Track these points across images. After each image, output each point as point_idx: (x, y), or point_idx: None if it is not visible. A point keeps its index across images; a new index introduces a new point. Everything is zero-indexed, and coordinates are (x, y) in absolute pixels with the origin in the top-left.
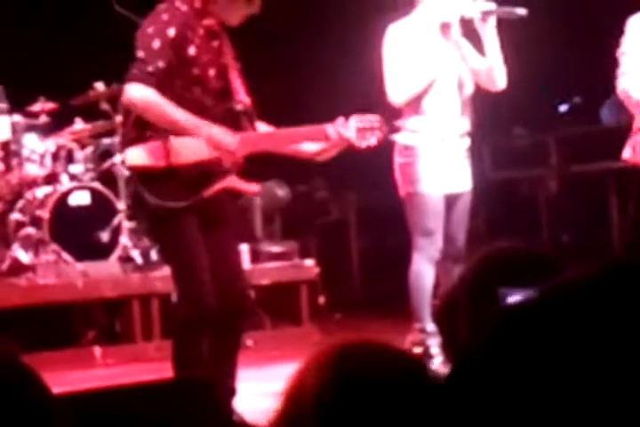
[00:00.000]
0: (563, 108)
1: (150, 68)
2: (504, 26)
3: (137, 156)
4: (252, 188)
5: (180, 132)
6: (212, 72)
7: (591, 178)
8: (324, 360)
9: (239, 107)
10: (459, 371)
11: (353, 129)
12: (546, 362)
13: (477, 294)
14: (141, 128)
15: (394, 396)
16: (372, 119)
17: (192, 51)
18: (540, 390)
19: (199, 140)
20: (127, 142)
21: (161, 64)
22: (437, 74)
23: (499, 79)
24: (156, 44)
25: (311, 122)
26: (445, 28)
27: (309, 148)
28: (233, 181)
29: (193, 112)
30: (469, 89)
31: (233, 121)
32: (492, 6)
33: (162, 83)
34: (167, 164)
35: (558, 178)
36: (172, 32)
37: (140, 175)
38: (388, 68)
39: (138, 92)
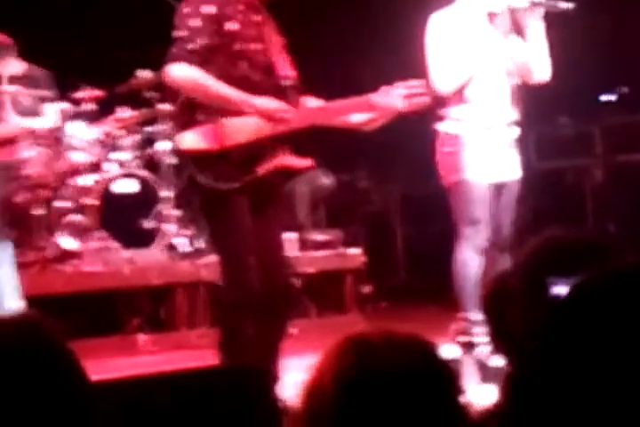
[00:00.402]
0: (609, 97)
1: (191, 46)
2: (550, 16)
3: (190, 140)
4: (306, 163)
5: (230, 107)
6: (256, 47)
7: (637, 167)
8: (343, 349)
9: (286, 82)
10: (519, 367)
11: (397, 96)
12: (602, 353)
13: (530, 284)
14: (191, 112)
15: (408, 386)
16: (416, 84)
17: (233, 26)
18: (600, 380)
19: (249, 119)
20: (179, 127)
21: (201, 41)
22: (483, 63)
23: (543, 71)
24: (195, 22)
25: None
26: (493, 17)
27: (357, 118)
28: (285, 159)
29: (240, 88)
30: (517, 78)
31: (281, 96)
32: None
33: (206, 60)
34: (220, 146)
35: (604, 167)
36: (208, 8)
37: (194, 158)
38: (432, 57)
39: (181, 71)
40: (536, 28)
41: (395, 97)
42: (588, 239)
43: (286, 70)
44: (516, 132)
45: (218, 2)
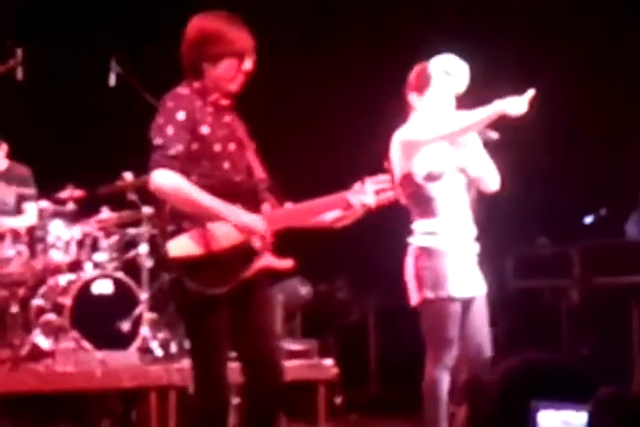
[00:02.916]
0: (588, 219)
1: (172, 152)
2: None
3: (178, 247)
4: (287, 264)
5: (209, 217)
6: (232, 147)
7: (614, 291)
8: None
9: (262, 184)
10: None
11: (371, 193)
12: None
13: (505, 404)
14: (178, 220)
15: None
16: (385, 179)
17: (205, 129)
18: None
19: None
20: (166, 236)
21: (180, 148)
22: (447, 176)
23: (491, 184)
24: (170, 130)
25: (323, 188)
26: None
27: (328, 215)
28: (268, 260)
29: (223, 190)
30: (474, 192)
31: (259, 198)
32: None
33: (187, 166)
34: (207, 251)
35: (581, 289)
36: (180, 115)
37: (182, 264)
38: (412, 153)
39: (164, 178)
40: (475, 144)
41: (368, 193)
42: (566, 364)
43: (261, 172)
44: (477, 247)
45: (187, 108)
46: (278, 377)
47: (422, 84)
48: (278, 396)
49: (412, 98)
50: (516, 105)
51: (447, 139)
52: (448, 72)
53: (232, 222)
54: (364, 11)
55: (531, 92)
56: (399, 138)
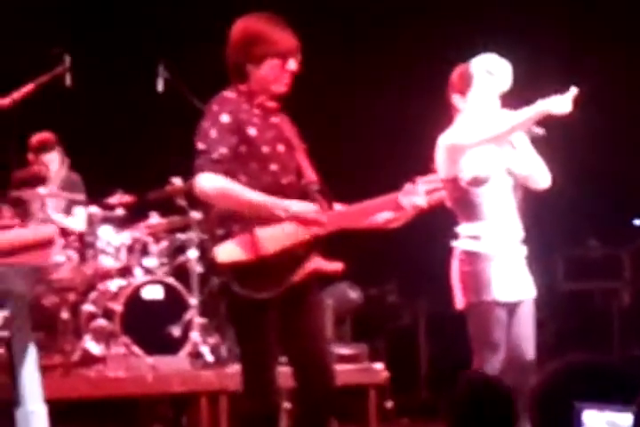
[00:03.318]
0: (638, 221)
1: (215, 156)
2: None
3: (227, 252)
4: (336, 267)
5: (262, 212)
6: (281, 148)
7: None
8: None
9: (313, 185)
10: None
11: (422, 193)
12: None
13: (548, 408)
14: (226, 224)
15: None
16: (436, 179)
17: (252, 131)
18: None
19: (282, 227)
20: (215, 240)
21: (224, 151)
22: (493, 178)
23: (541, 181)
24: (214, 133)
25: (373, 191)
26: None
27: (381, 217)
28: (318, 263)
29: (271, 192)
30: (521, 193)
31: (309, 200)
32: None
33: (234, 169)
34: (256, 256)
35: (632, 291)
36: (225, 118)
37: (230, 269)
38: (459, 157)
39: (209, 182)
40: (523, 142)
41: (419, 194)
42: (611, 366)
43: (311, 174)
44: (525, 249)
45: (233, 111)
46: (330, 382)
47: (464, 85)
48: (330, 401)
49: (456, 99)
50: (560, 104)
51: (492, 142)
52: (490, 72)
53: (284, 214)
54: (408, 11)
55: (573, 91)
56: (444, 142)
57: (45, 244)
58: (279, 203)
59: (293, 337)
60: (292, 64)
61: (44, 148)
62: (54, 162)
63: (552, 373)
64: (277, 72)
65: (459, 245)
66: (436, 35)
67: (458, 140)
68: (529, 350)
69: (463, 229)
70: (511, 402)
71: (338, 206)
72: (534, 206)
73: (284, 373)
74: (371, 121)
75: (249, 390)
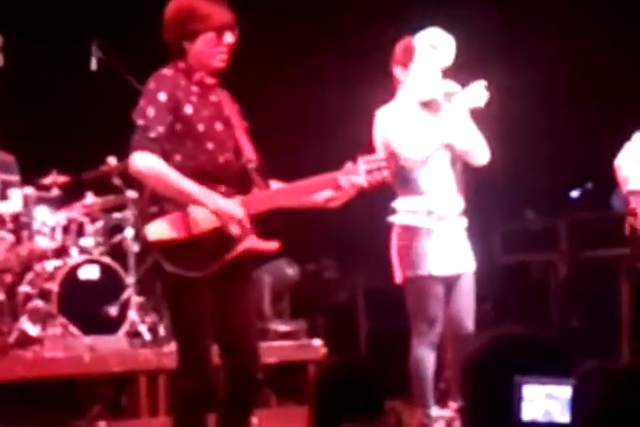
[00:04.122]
0: (574, 193)
1: (152, 135)
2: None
3: (158, 230)
4: (272, 246)
5: (187, 201)
6: (219, 126)
7: (602, 263)
8: None
9: (251, 164)
10: None
11: (362, 173)
12: None
13: (481, 379)
14: (159, 203)
15: None
16: (379, 158)
17: (189, 109)
18: None
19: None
20: (146, 218)
21: (161, 129)
22: (435, 146)
23: (480, 156)
24: (151, 111)
25: (311, 169)
26: (428, 105)
27: (320, 196)
28: (252, 241)
29: (208, 170)
30: (460, 165)
31: (246, 178)
32: (457, 89)
33: (170, 147)
34: (188, 234)
35: (569, 262)
36: (162, 97)
37: (162, 248)
38: (393, 136)
39: (143, 161)
40: (460, 115)
41: (359, 173)
42: (547, 338)
43: (250, 152)
44: (465, 221)
45: (170, 89)
46: (252, 362)
47: (407, 58)
48: (253, 380)
49: (398, 72)
50: (475, 97)
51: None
52: (434, 46)
53: (209, 208)
54: None
55: (482, 83)
56: (383, 117)
57: None
58: (209, 195)
59: (222, 316)
60: (229, 37)
61: None
62: None
63: (486, 343)
64: (213, 47)
65: (396, 220)
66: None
67: (390, 136)
68: (468, 323)
69: (400, 203)
70: (376, 385)
71: (276, 184)
72: (471, 179)
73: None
74: (313, 97)
75: (184, 369)
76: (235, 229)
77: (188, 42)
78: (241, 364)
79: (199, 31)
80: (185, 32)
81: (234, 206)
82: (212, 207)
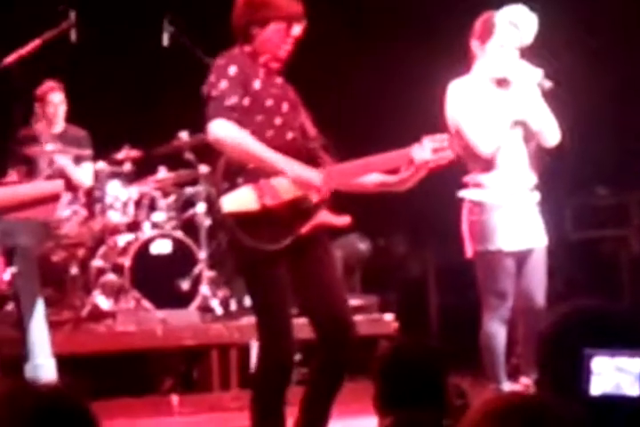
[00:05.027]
0: None
1: (228, 103)
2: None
3: (231, 203)
4: (344, 220)
5: (266, 168)
6: (285, 106)
7: None
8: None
9: (316, 142)
10: None
11: (429, 150)
12: None
13: (556, 354)
14: (232, 176)
15: None
16: (443, 137)
17: (257, 84)
18: None
19: (287, 180)
20: (220, 191)
21: (235, 99)
22: (507, 126)
23: (552, 136)
24: (223, 83)
25: (377, 150)
26: (501, 82)
27: (389, 179)
28: (325, 216)
29: (277, 146)
30: (534, 142)
31: (313, 157)
32: (532, 68)
33: (242, 120)
34: (261, 206)
35: None
36: (232, 70)
37: (236, 220)
38: (464, 122)
39: (222, 128)
40: (535, 96)
41: (427, 151)
42: (621, 313)
43: (314, 132)
44: (537, 196)
45: (239, 63)
46: (349, 330)
47: (485, 33)
48: (350, 350)
49: (475, 46)
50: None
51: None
52: (515, 23)
53: (289, 176)
54: None
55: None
56: (456, 89)
57: (50, 199)
58: (289, 162)
59: (305, 289)
60: (297, 30)
61: (50, 89)
62: (62, 104)
63: (560, 318)
64: (281, 36)
65: (467, 195)
66: None
67: (460, 118)
68: (539, 298)
69: (471, 178)
70: (438, 366)
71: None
72: (544, 156)
73: (296, 325)
74: (379, 76)
75: (264, 343)
76: (314, 197)
77: (258, 28)
78: (337, 331)
79: (271, 19)
80: (256, 18)
81: (313, 174)
82: (292, 174)
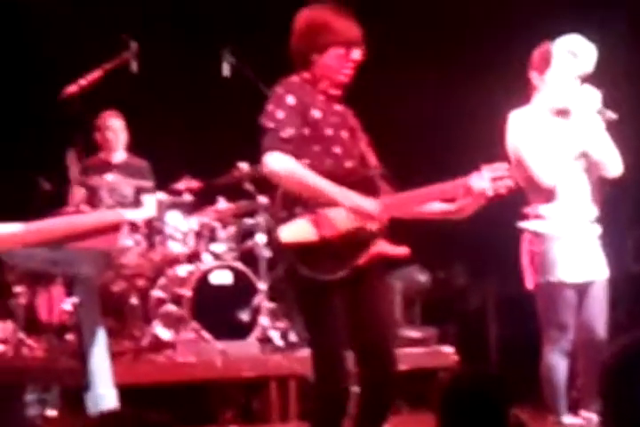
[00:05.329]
0: None
1: (283, 135)
2: None
3: (289, 233)
4: (402, 251)
5: (323, 200)
6: (344, 134)
7: None
8: None
9: (375, 171)
10: None
11: (487, 179)
12: None
13: (620, 386)
14: (290, 205)
15: None
16: (502, 167)
17: (317, 113)
18: None
19: (345, 209)
20: (278, 221)
21: (291, 131)
22: (569, 157)
23: (614, 166)
24: (280, 114)
25: (436, 180)
26: (562, 112)
27: (445, 207)
28: (382, 246)
29: (333, 176)
30: (596, 173)
31: (371, 186)
32: (596, 97)
33: (299, 151)
34: (319, 237)
35: None
36: (290, 100)
37: (294, 251)
38: (525, 153)
39: (277, 161)
40: (598, 127)
41: (486, 181)
42: None
43: (375, 160)
44: (598, 229)
45: (298, 93)
46: (390, 366)
47: (543, 64)
48: (391, 385)
49: (534, 77)
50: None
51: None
52: (573, 53)
53: (346, 206)
54: None
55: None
56: (516, 119)
57: (112, 228)
58: (345, 193)
59: (357, 320)
60: (356, 54)
61: (111, 116)
62: (122, 131)
63: (622, 350)
64: (341, 61)
65: (527, 226)
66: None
67: (522, 147)
68: (600, 330)
69: (532, 209)
70: (499, 395)
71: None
72: (606, 187)
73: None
74: (437, 106)
75: (319, 374)
76: (372, 227)
77: (317, 54)
78: (378, 369)
79: (329, 44)
80: (315, 44)
81: (370, 203)
82: (348, 204)
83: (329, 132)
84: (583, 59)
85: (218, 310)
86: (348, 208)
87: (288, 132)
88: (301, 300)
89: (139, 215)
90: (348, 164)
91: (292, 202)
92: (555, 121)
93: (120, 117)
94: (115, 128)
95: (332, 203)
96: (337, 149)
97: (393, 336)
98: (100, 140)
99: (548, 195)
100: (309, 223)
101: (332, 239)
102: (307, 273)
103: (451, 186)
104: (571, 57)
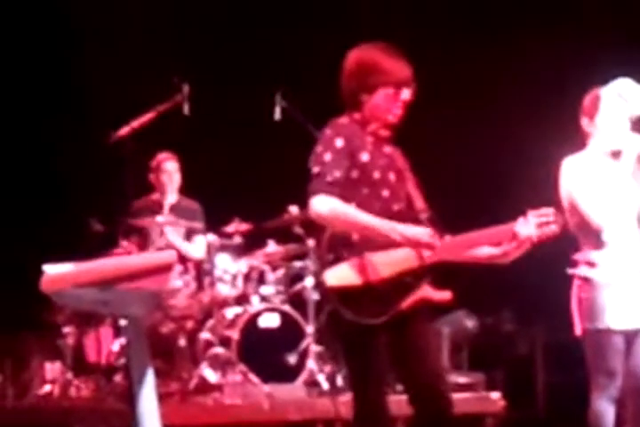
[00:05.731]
0: None
1: (329, 179)
2: None
3: (335, 276)
4: (445, 296)
5: (376, 235)
6: (392, 176)
7: None
8: None
9: (423, 214)
10: None
11: (533, 225)
12: None
13: None
14: (336, 249)
15: None
16: (548, 212)
17: (365, 157)
18: None
19: (392, 253)
20: (324, 265)
21: (338, 174)
22: (618, 205)
23: None
24: (328, 156)
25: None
26: (618, 155)
27: (490, 251)
28: (426, 291)
29: (383, 218)
30: None
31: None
32: None
33: (346, 193)
34: (365, 281)
35: None
36: (339, 143)
37: (339, 294)
38: (580, 197)
39: (323, 204)
40: None
41: (531, 227)
42: None
43: (422, 203)
44: None
45: (346, 135)
46: (446, 408)
47: (593, 109)
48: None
49: (585, 123)
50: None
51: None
52: (622, 96)
53: (397, 237)
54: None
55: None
56: (569, 165)
57: (163, 269)
58: (394, 226)
59: (405, 364)
60: (406, 94)
61: (165, 159)
62: (176, 173)
63: None
64: (391, 101)
65: (577, 272)
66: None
67: (576, 193)
68: None
69: (582, 255)
70: None
71: (448, 237)
72: None
73: (399, 401)
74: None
75: (359, 417)
76: (426, 253)
77: (366, 94)
78: (432, 410)
79: (379, 85)
80: (364, 84)
81: (420, 230)
82: (400, 235)
83: (377, 175)
84: (633, 102)
85: (265, 352)
86: (405, 239)
87: (335, 175)
88: (344, 344)
89: (189, 250)
90: (396, 206)
91: (339, 245)
92: (610, 164)
93: (175, 160)
94: (169, 170)
95: (383, 239)
96: (385, 192)
97: (445, 379)
98: (153, 182)
99: (598, 241)
100: (354, 267)
101: (375, 284)
102: (350, 317)
103: (497, 230)
104: (620, 100)
